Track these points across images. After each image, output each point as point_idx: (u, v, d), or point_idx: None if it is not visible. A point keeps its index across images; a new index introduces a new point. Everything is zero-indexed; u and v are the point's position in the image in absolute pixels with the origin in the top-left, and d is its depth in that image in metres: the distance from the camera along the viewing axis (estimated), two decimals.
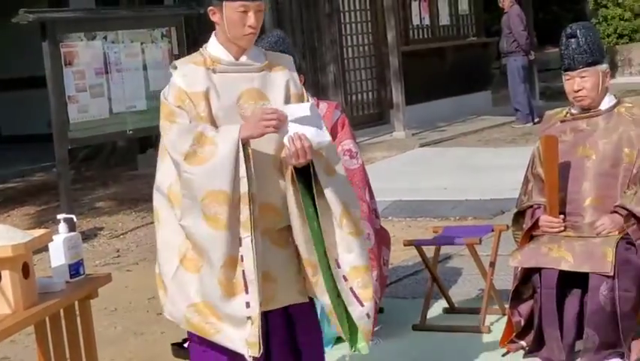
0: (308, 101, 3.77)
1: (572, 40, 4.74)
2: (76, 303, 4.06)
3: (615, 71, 17.38)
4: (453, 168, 11.35)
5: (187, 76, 3.62)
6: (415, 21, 15.95)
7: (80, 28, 9.37)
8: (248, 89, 3.65)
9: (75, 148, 10.96)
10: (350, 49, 14.80)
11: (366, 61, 15.11)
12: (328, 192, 3.61)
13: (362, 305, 3.64)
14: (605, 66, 4.81)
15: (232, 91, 3.63)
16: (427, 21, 16.20)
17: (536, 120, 13.90)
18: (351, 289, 3.64)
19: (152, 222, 9.93)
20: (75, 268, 4.05)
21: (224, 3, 3.61)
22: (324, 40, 14.10)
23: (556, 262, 4.55)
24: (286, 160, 3.57)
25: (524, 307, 4.83)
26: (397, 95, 13.79)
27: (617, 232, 4.57)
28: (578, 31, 4.75)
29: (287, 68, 3.76)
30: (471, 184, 10.02)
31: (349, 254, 3.65)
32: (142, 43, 9.89)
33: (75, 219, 4.34)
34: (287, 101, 3.70)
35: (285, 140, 3.50)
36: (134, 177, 12.39)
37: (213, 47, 3.70)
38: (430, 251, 5.81)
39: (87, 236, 8.91)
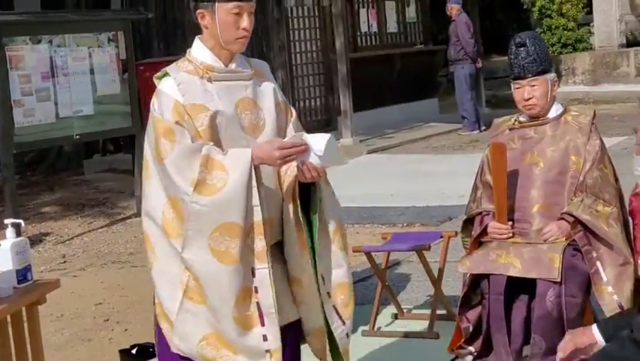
0: (292, 112, 3.68)
1: (522, 49, 4.77)
2: (24, 309, 4.02)
3: (560, 79, 17.55)
4: (400, 175, 11.41)
5: (183, 86, 3.41)
6: (363, 28, 16.03)
7: (25, 32, 9.27)
8: (242, 97, 3.49)
9: (20, 152, 10.83)
10: (298, 55, 14.83)
11: (315, 67, 15.14)
12: (326, 204, 3.53)
13: (343, 323, 3.58)
14: (553, 75, 4.87)
15: (230, 100, 3.46)
16: (374, 28, 16.29)
17: (483, 128, 14.02)
18: (334, 306, 3.56)
19: (99, 228, 9.87)
20: (23, 274, 4.01)
21: (216, 4, 3.42)
22: (273, 46, 14.10)
23: (504, 268, 4.59)
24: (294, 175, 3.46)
25: (472, 313, 4.86)
26: (345, 101, 13.82)
27: (564, 239, 4.62)
28: (527, 40, 4.78)
29: (268, 76, 3.65)
30: (418, 191, 10.08)
31: (338, 270, 3.57)
32: (89, 48, 9.80)
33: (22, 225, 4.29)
34: (276, 109, 3.57)
35: (303, 167, 3.40)
36: (80, 182, 12.30)
37: (201, 53, 3.51)
38: (378, 257, 5.83)
39: (33, 241, 8.80)
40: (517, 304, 4.64)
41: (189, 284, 3.37)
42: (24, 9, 14.25)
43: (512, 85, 4.84)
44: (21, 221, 4.21)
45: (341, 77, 13.89)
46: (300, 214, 3.48)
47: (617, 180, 4.80)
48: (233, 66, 3.52)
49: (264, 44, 14.09)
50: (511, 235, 4.71)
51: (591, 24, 19.39)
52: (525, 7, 19.90)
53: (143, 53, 13.93)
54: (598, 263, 4.54)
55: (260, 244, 3.33)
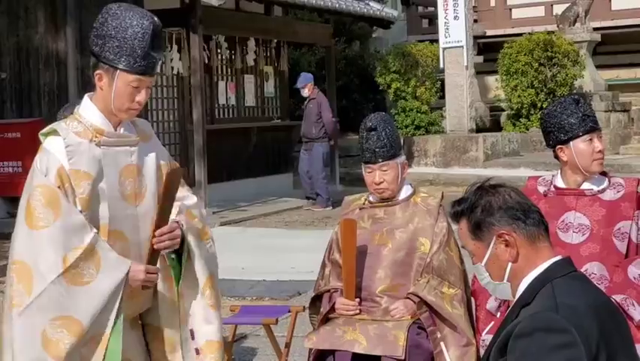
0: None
1: (373, 133, 4.80)
2: None
3: (412, 160, 17.97)
4: (252, 249, 11.40)
5: (71, 148, 3.33)
6: (222, 100, 16.08)
7: None
8: (127, 165, 3.46)
9: None
10: (155, 124, 14.73)
11: (171, 137, 15.10)
12: (196, 256, 3.54)
13: None
14: (402, 158, 4.92)
15: (115, 167, 3.42)
16: (233, 101, 16.37)
17: (333, 204, 14.17)
18: None
19: None
20: None
21: (117, 72, 3.35)
22: None
23: (350, 345, 4.61)
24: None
25: None
26: (200, 172, 13.80)
27: (409, 317, 4.69)
28: (378, 125, 4.81)
29: (152, 136, 3.64)
30: (269, 265, 10.09)
31: (207, 326, 3.55)
32: None
33: None
34: (157, 174, 3.58)
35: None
36: None
37: (92, 114, 3.43)
38: (225, 330, 5.79)
39: None
40: None
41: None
42: None
43: (363, 168, 4.88)
44: None
45: (197, 148, 13.88)
46: (171, 258, 3.50)
47: (462, 261, 4.90)
48: (121, 130, 3.48)
49: None
50: (358, 311, 4.76)
51: (443, 108, 19.97)
52: (381, 88, 20.36)
53: None
54: (442, 344, 4.62)
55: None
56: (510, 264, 2.86)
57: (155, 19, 3.42)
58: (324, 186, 14.76)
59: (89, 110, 3.46)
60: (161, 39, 3.48)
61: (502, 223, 2.86)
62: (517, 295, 2.86)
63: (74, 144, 3.37)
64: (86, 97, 3.51)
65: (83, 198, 3.34)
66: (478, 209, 2.90)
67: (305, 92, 15.02)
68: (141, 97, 3.40)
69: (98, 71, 3.42)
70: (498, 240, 2.86)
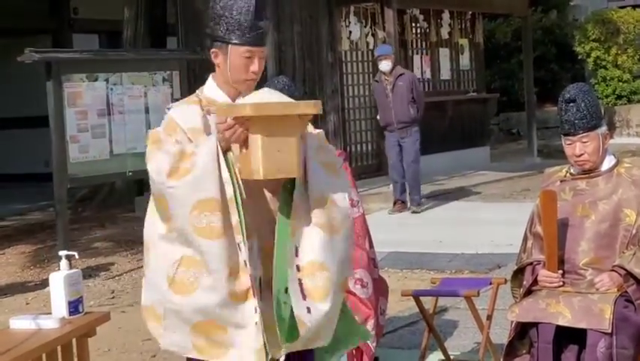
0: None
1: (572, 105, 4.71)
2: (74, 340, 4.06)
3: (613, 131, 17.47)
4: (449, 222, 11.37)
5: (183, 113, 3.60)
6: (417, 74, 16.02)
7: (83, 69, 9.43)
8: None
9: (73, 188, 10.97)
10: (351, 99, 14.89)
11: (367, 112, 15.19)
12: (313, 177, 3.53)
13: (304, 299, 3.45)
14: (604, 128, 4.79)
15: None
16: (428, 75, 16.31)
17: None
18: (300, 280, 3.47)
19: None
20: (74, 306, 4.06)
21: (229, 47, 3.57)
22: (326, 90, 14.18)
23: (553, 317, 4.54)
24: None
25: None
26: None
27: (615, 289, 4.57)
28: (577, 96, 4.70)
29: None
30: (467, 238, 10.04)
31: (312, 249, 3.49)
32: (145, 86, 9.94)
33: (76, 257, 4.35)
34: None
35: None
36: (131, 219, 12.39)
37: (210, 89, 3.68)
38: (426, 302, 5.81)
39: (82, 276, 8.88)
40: (566, 354, 4.58)
41: (176, 278, 3.47)
42: (82, 47, 14.51)
43: (563, 140, 4.78)
44: (75, 253, 4.28)
45: None
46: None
47: None
48: (237, 102, 3.63)
49: (317, 88, 14.18)
50: (561, 283, 4.68)
51: None
52: (580, 57, 19.84)
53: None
54: None
55: (235, 218, 3.40)
56: None
57: None
58: (420, 179, 12.53)
59: (208, 86, 3.68)
60: (265, 10, 3.65)
61: None
62: None
63: (185, 108, 3.62)
64: (210, 76, 3.71)
65: None
66: None
67: (387, 65, 12.20)
68: (255, 67, 3.58)
69: (213, 50, 3.63)
70: None
